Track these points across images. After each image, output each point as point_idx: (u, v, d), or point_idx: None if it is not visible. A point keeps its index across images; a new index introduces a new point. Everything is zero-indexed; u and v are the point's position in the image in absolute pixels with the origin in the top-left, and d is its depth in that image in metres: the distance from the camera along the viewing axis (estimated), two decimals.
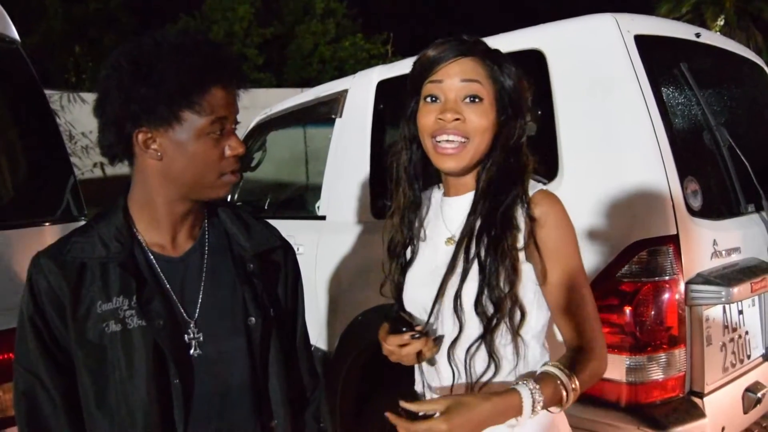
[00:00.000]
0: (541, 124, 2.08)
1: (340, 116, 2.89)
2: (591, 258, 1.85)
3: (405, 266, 1.38)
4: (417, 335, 1.23)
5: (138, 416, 1.12)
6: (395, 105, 2.68)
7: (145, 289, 1.16)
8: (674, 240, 1.83)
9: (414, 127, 1.33)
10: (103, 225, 1.19)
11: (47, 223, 2.03)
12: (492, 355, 1.24)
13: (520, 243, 1.24)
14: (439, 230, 1.36)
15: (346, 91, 2.91)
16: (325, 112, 3.05)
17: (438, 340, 1.28)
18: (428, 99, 1.28)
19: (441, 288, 1.27)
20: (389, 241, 1.41)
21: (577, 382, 1.17)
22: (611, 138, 1.91)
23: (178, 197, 1.19)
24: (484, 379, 1.25)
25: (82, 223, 2.04)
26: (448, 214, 1.35)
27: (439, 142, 1.25)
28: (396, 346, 1.25)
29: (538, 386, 1.13)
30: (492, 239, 1.23)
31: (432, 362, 1.32)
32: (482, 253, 1.24)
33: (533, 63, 2.10)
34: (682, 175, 1.90)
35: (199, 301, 1.21)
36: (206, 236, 1.27)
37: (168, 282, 1.20)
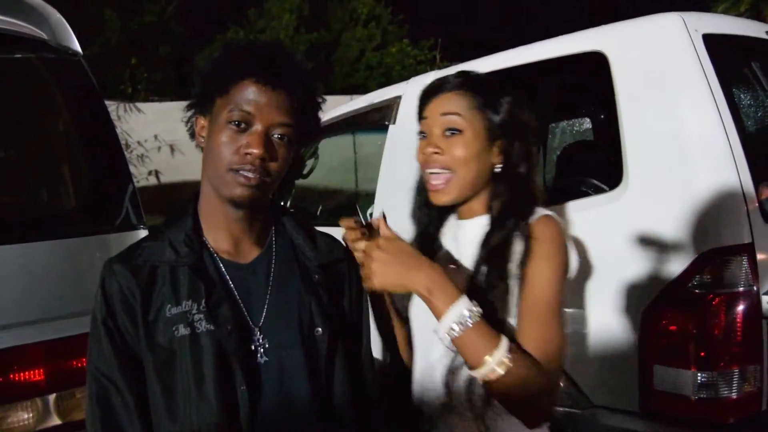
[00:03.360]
0: (603, 129, 2.01)
1: (394, 122, 2.87)
2: (660, 267, 1.79)
3: None
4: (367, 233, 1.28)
5: (206, 424, 1.10)
6: None
7: (213, 293, 1.15)
8: (749, 249, 1.75)
9: None
10: (173, 230, 1.20)
11: (108, 232, 2.06)
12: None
13: (512, 274, 1.25)
14: (452, 253, 1.40)
15: (399, 97, 2.89)
16: (378, 119, 3.03)
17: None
18: (420, 135, 1.37)
19: None
20: None
21: (510, 359, 1.12)
22: (680, 142, 1.84)
23: (217, 197, 1.19)
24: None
25: (142, 231, 2.08)
26: (461, 237, 1.39)
27: (430, 175, 1.33)
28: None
29: (478, 312, 1.13)
30: (490, 275, 1.26)
31: (428, 381, 1.39)
32: (483, 286, 1.26)
33: (594, 66, 2.04)
34: (757, 180, 1.81)
35: (265, 308, 1.20)
36: (273, 245, 1.27)
37: (235, 288, 1.20)
